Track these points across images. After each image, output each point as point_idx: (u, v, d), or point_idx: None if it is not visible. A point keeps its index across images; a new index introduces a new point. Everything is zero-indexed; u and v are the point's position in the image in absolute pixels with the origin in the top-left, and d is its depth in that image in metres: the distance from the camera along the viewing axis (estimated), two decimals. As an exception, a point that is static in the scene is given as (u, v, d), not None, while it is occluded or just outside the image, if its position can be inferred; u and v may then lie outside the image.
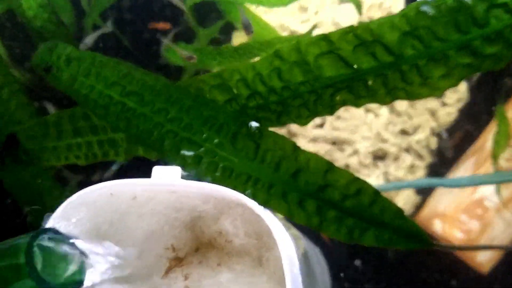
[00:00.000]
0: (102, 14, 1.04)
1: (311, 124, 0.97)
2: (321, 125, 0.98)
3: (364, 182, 0.57)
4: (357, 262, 1.02)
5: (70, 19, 1.01)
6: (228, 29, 1.00)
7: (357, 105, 0.59)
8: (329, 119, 0.97)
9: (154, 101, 0.61)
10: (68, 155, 0.72)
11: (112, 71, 0.63)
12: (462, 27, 0.53)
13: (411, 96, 0.57)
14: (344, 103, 0.60)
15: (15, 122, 0.81)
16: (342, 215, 0.57)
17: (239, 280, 0.53)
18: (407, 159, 0.97)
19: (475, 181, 0.73)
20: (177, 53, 0.84)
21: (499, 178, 0.71)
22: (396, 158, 0.98)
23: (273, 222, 0.49)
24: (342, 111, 0.98)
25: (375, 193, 0.57)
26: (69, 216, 0.53)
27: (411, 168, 0.98)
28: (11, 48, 0.99)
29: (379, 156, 0.98)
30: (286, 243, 0.49)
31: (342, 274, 1.02)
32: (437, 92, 0.56)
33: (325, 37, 0.57)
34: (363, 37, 0.56)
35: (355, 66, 0.57)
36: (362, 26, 0.56)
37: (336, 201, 0.56)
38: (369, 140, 0.96)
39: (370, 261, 1.02)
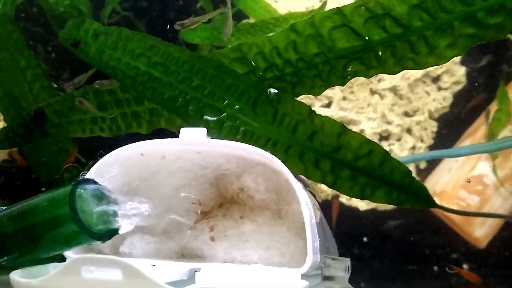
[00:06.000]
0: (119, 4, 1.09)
1: (318, 104, 1.02)
2: (328, 105, 1.03)
3: (375, 144, 0.61)
4: (364, 239, 1.06)
5: (87, 7, 1.05)
6: (240, 16, 1.04)
7: (368, 75, 0.64)
8: (336, 99, 1.02)
9: (179, 70, 0.65)
10: (93, 128, 0.76)
11: (138, 44, 0.67)
12: (466, -1, 0.57)
13: (419, 65, 0.62)
14: (355, 74, 0.64)
15: (39, 103, 0.85)
16: (355, 174, 0.61)
17: (261, 230, 0.57)
18: (409, 140, 1.02)
19: (474, 150, 0.78)
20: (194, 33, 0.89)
21: (497, 146, 0.76)
22: (399, 139, 1.03)
23: (292, 176, 0.53)
24: (348, 93, 1.02)
25: (385, 154, 0.61)
26: (103, 173, 0.57)
27: (413, 149, 1.03)
28: (32, 32, 1.04)
29: (384, 137, 1.03)
30: (304, 195, 0.53)
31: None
32: (443, 60, 0.61)
33: (338, 11, 0.62)
34: (374, 10, 0.61)
35: (366, 38, 0.62)
36: (373, 0, 0.61)
37: (349, 161, 0.61)
38: (375, 121, 1.00)
39: (376, 239, 1.06)
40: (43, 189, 0.93)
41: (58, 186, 0.52)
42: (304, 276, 0.51)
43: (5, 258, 0.54)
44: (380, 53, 0.62)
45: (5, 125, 0.87)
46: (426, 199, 0.63)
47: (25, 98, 0.86)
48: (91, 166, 0.59)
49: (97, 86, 0.73)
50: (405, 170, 0.62)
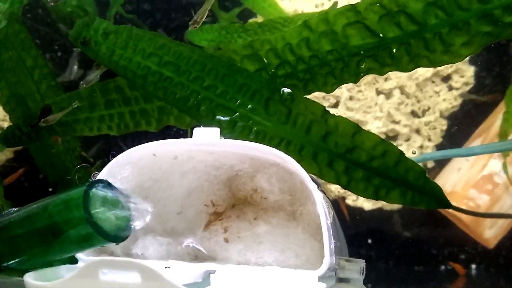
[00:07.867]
0: (122, 6, 1.08)
1: (326, 103, 1.01)
2: (335, 105, 1.02)
3: (390, 144, 0.61)
4: (370, 241, 1.06)
5: (92, 8, 1.04)
6: (246, 15, 1.03)
7: (381, 73, 0.63)
8: (343, 99, 1.01)
9: (190, 70, 0.64)
10: (100, 126, 0.75)
11: (148, 43, 0.67)
12: (483, -4, 0.56)
13: (434, 63, 0.61)
14: (368, 71, 0.63)
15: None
16: (370, 175, 0.60)
17: (275, 231, 0.57)
18: (418, 139, 1.01)
19: (488, 149, 0.77)
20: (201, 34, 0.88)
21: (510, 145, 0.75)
22: (408, 139, 1.02)
23: (307, 176, 0.52)
24: (355, 92, 1.01)
25: (400, 154, 0.60)
26: (115, 174, 0.56)
27: (421, 148, 1.02)
28: (39, 32, 1.03)
29: (391, 137, 1.02)
30: (320, 196, 0.52)
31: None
32: (459, 59, 0.60)
33: (352, 8, 0.61)
34: (388, 7, 0.60)
35: (381, 35, 0.61)
36: (388, -3, 0.60)
37: (363, 162, 0.60)
38: (381, 121, 1.00)
39: (382, 239, 1.06)
40: (50, 189, 0.92)
41: (68, 187, 0.52)
42: (320, 278, 0.50)
43: (15, 260, 0.53)
44: (394, 50, 0.61)
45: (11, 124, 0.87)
46: (440, 200, 0.62)
47: (32, 98, 0.85)
48: (99, 166, 0.58)
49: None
50: (420, 170, 0.61)
